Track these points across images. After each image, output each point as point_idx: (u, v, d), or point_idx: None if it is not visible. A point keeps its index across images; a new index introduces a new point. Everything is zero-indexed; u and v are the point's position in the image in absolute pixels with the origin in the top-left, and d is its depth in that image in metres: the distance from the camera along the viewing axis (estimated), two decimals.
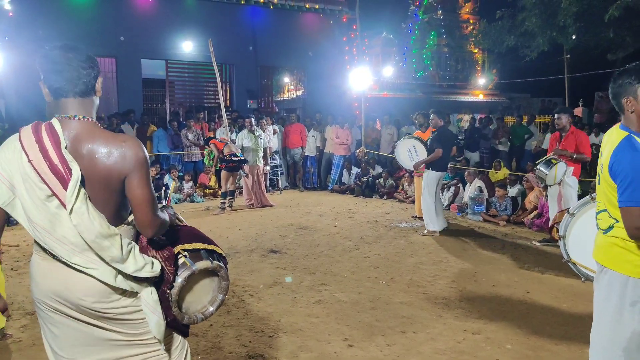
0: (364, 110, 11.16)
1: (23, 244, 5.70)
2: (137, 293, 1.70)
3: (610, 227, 2.06)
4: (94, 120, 1.68)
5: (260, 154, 8.66)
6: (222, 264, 1.85)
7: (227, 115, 9.07)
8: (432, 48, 21.08)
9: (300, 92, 15.55)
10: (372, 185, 10.03)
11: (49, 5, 10.68)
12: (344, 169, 10.69)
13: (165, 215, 1.74)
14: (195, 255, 1.82)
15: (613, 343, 2.04)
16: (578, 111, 12.94)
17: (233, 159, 7.95)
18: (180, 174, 9.49)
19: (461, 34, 21.33)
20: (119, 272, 1.65)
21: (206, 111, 12.63)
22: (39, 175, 1.56)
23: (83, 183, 1.58)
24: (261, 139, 8.71)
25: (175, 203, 9.12)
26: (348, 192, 10.26)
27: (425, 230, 6.57)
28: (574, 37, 9.82)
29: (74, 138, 1.61)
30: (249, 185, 8.69)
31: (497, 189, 7.71)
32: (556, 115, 5.68)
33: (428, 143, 6.83)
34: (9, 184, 1.61)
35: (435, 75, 20.78)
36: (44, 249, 1.63)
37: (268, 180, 10.29)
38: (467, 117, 14.17)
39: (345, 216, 7.84)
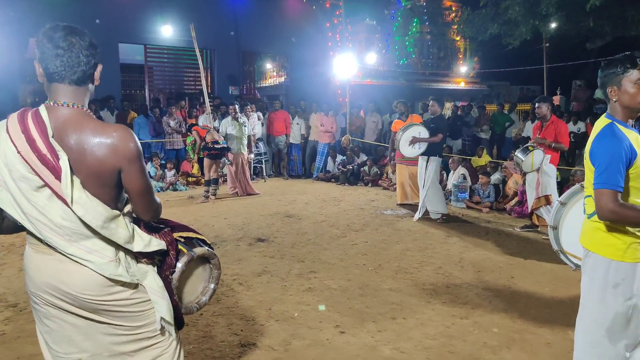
0: (348, 98, 11.15)
1: (2, 236, 5.58)
2: (136, 285, 1.68)
3: (594, 212, 2.13)
4: (85, 109, 1.62)
5: (245, 141, 8.61)
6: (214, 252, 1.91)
7: (209, 101, 8.96)
8: (414, 35, 21.10)
9: (283, 79, 15.42)
10: (357, 173, 10.09)
11: None
12: (329, 157, 10.72)
13: (159, 199, 1.76)
14: (189, 243, 1.86)
15: (597, 324, 2.13)
16: (556, 99, 13.19)
17: (215, 146, 7.90)
18: (163, 161, 9.38)
19: (444, 21, 21.39)
20: (120, 261, 1.63)
21: (187, 98, 12.45)
22: (29, 165, 1.52)
23: (76, 173, 1.56)
24: (245, 126, 8.65)
25: (158, 191, 9.03)
26: (333, 179, 10.30)
27: (439, 216, 6.63)
28: (553, 25, 9.97)
29: (61, 126, 1.55)
30: (233, 173, 8.64)
31: (480, 176, 7.85)
32: (536, 105, 5.79)
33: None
34: None
35: (418, 62, 20.84)
36: (39, 240, 1.60)
37: (252, 168, 10.25)
38: (449, 105, 14.30)
39: (331, 204, 7.89)
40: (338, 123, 11.07)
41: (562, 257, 2.87)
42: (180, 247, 1.84)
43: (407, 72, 19.92)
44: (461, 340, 3.22)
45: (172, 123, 9.89)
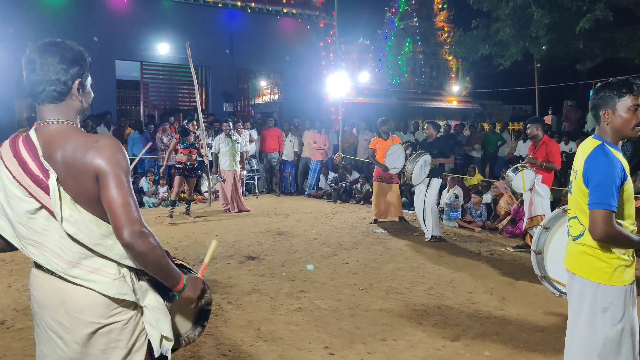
0: (341, 116, 11.20)
1: None
2: (135, 307, 1.62)
3: (581, 234, 2.13)
4: (73, 123, 1.57)
5: (237, 158, 8.59)
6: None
7: (203, 118, 8.95)
8: (407, 55, 21.37)
9: (276, 96, 15.51)
10: (349, 190, 10.07)
11: (21, 3, 10.33)
12: (321, 174, 10.70)
13: (146, 229, 1.51)
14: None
15: (588, 350, 2.09)
16: (548, 119, 13.33)
17: (187, 166, 7.58)
18: (156, 177, 9.31)
19: (436, 41, 21.70)
20: (124, 278, 1.57)
21: (181, 114, 12.45)
22: (25, 189, 1.51)
23: (66, 190, 1.51)
24: (238, 143, 8.64)
25: (150, 207, 8.94)
26: (325, 197, 10.27)
27: (430, 236, 6.60)
28: (544, 47, 10.14)
29: (49, 143, 1.52)
30: (225, 190, 8.59)
31: (472, 195, 7.85)
32: (528, 125, 5.83)
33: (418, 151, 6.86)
34: None
35: (411, 81, 21.07)
36: (42, 267, 1.57)
37: (244, 184, 10.20)
38: (441, 124, 14.41)
39: (323, 221, 7.84)
40: (331, 140, 11.09)
41: (545, 283, 2.83)
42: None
43: (399, 91, 20.12)
44: None
45: (165, 139, 9.87)
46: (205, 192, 9.59)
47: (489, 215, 7.71)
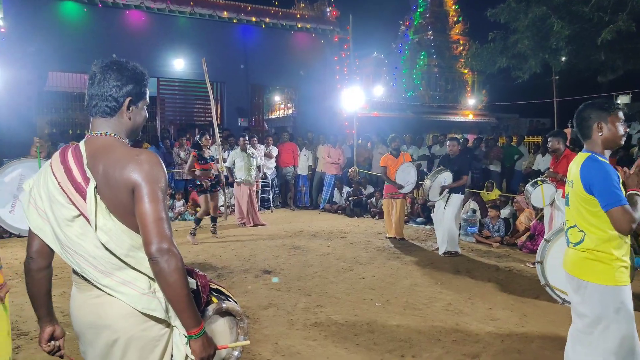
0: (355, 130, 11.26)
1: (15, 262, 5.59)
2: (168, 324, 1.63)
3: (580, 241, 2.27)
4: (120, 138, 1.63)
5: (253, 173, 8.68)
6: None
7: (218, 133, 9.10)
8: (422, 68, 21.44)
9: (291, 111, 15.67)
10: (364, 204, 10.08)
11: (41, 21, 10.68)
12: (336, 188, 10.74)
13: (180, 258, 1.52)
14: (220, 296, 1.83)
15: (605, 353, 2.12)
16: (567, 132, 13.21)
17: (204, 181, 7.36)
18: (173, 192, 9.46)
19: (451, 54, 21.76)
20: (155, 293, 1.59)
21: (197, 129, 12.65)
22: (67, 195, 1.57)
23: (103, 199, 1.57)
24: (254, 157, 8.75)
25: None
26: (339, 211, 10.30)
27: (444, 251, 6.59)
28: (564, 59, 10.09)
29: (94, 154, 1.59)
30: (240, 204, 8.68)
31: (490, 210, 7.80)
32: (549, 139, 5.81)
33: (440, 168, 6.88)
34: (41, 209, 1.61)
35: (425, 95, 21.09)
36: (79, 276, 1.62)
37: (259, 199, 10.28)
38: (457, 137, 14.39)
39: (338, 236, 7.86)
40: (345, 155, 11.15)
41: (549, 290, 2.92)
42: (212, 296, 1.81)
43: (414, 105, 20.15)
44: None
45: (182, 154, 10.02)
46: (222, 206, 9.67)
47: (507, 230, 7.65)
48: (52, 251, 1.64)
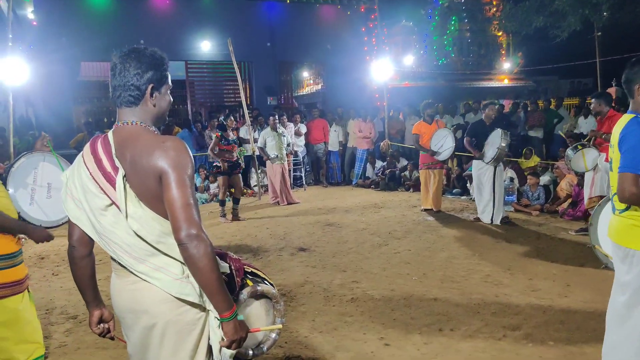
0: (386, 102, 11.05)
1: (62, 249, 5.87)
2: (204, 309, 1.66)
3: (627, 208, 2.19)
4: (146, 125, 1.65)
5: (284, 151, 8.69)
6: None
7: (248, 113, 9.14)
8: (453, 34, 20.66)
9: (319, 86, 15.52)
10: (398, 178, 9.97)
11: (70, 12, 10.92)
12: (368, 163, 10.65)
13: (209, 244, 1.52)
14: (255, 279, 1.84)
15: None
16: (611, 91, 12.52)
17: (229, 162, 7.34)
18: (207, 174, 9.61)
19: (484, 17, 20.82)
20: (188, 278, 1.61)
21: (227, 110, 12.75)
22: (99, 185, 1.61)
23: (132, 187, 1.59)
24: (284, 136, 8.75)
25: (203, 203, 9.25)
26: (372, 186, 10.24)
27: (500, 218, 6.51)
28: (606, 14, 9.45)
29: (122, 143, 1.62)
30: (273, 183, 8.73)
31: (528, 177, 7.56)
32: (592, 101, 5.56)
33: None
34: (77, 199, 1.66)
35: (458, 61, 20.38)
36: (117, 263, 1.66)
37: (292, 177, 10.32)
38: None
39: (372, 211, 7.82)
40: (376, 128, 10.99)
41: (596, 252, 2.84)
42: (247, 279, 1.82)
43: (446, 72, 19.53)
44: (514, 353, 3.08)
45: (214, 136, 10.11)
46: (255, 186, 9.81)
47: (547, 197, 7.39)
48: (92, 239, 1.69)
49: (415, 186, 9.42)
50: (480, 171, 6.60)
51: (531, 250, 5.34)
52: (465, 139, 6.78)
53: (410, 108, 11.42)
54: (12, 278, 2.59)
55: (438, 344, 3.24)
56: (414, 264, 4.97)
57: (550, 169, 8.04)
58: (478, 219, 6.68)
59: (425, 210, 7.55)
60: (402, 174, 9.99)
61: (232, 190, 7.82)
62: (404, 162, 10.37)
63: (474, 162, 6.72)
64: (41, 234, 2.59)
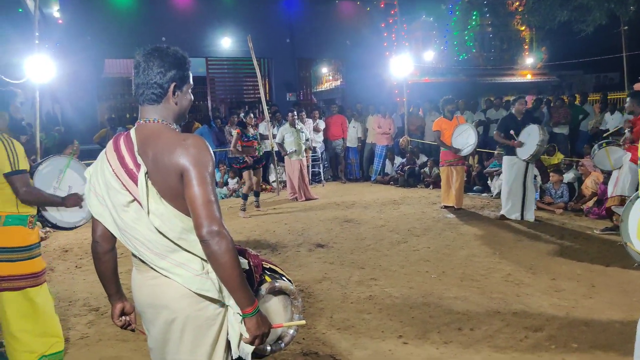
0: (406, 98, 10.93)
1: (85, 242, 5.98)
2: (222, 304, 1.66)
3: None
4: (168, 123, 1.66)
5: (303, 147, 8.68)
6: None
7: (267, 109, 9.14)
8: (474, 29, 20.31)
9: (338, 82, 15.45)
10: (417, 174, 9.86)
11: (95, 11, 11.09)
12: (387, 159, 10.56)
13: (230, 240, 1.53)
14: (273, 275, 1.84)
15: None
16: (638, 87, 12.14)
17: (252, 158, 7.48)
18: (227, 169, 9.67)
19: (506, 11, 20.40)
20: (208, 274, 1.62)
21: (246, 106, 12.79)
22: (121, 182, 1.62)
23: (154, 184, 1.60)
24: (303, 132, 8.74)
25: (222, 199, 9.31)
26: (391, 182, 10.16)
27: (533, 217, 6.42)
28: (632, 7, 9.15)
29: (144, 140, 1.63)
30: (292, 179, 8.73)
31: (551, 174, 7.38)
32: (627, 100, 5.44)
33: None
34: (100, 196, 1.68)
35: (479, 56, 20.03)
36: (138, 259, 1.68)
37: (310, 173, 10.30)
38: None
39: (391, 208, 7.75)
40: (396, 124, 10.88)
41: (628, 250, 2.69)
42: (265, 275, 1.83)
43: (467, 68, 19.22)
44: (536, 355, 3.00)
45: (233, 132, 10.14)
46: (273, 182, 9.82)
47: (571, 195, 7.21)
48: (114, 235, 1.71)
49: (435, 183, 9.31)
50: (511, 167, 6.43)
51: (554, 249, 5.21)
52: (495, 133, 6.63)
53: (430, 104, 11.25)
54: (30, 270, 2.65)
55: (457, 344, 3.18)
56: (433, 262, 4.90)
57: (575, 167, 7.83)
58: (504, 217, 6.54)
59: (445, 207, 7.45)
60: (422, 170, 9.88)
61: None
62: (423, 158, 10.26)
63: (505, 157, 6.53)
64: (73, 199, 2.77)
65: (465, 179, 8.80)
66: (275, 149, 8.74)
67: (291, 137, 8.56)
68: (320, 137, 10.58)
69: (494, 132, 6.66)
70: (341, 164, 11.09)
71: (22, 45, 7.59)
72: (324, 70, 17.09)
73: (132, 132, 1.68)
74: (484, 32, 20.31)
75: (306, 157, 8.98)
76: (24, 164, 2.61)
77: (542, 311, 3.63)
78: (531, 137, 6.17)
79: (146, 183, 1.58)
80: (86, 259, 5.36)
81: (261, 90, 8.91)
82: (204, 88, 13.94)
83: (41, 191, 2.71)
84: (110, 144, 1.70)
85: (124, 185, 1.61)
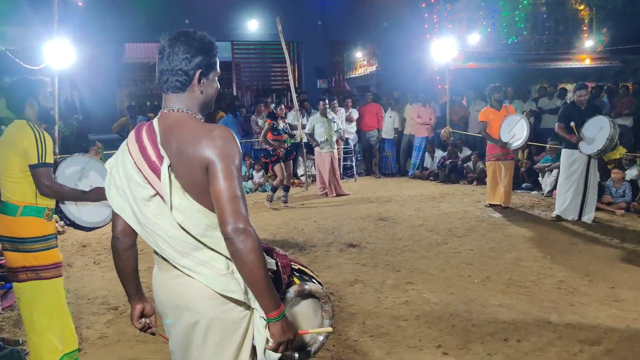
0: (448, 85, 10.76)
1: (103, 237, 6.18)
2: (248, 307, 1.68)
3: None
4: (193, 113, 1.68)
5: (334, 138, 8.69)
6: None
7: (296, 97, 9.19)
8: (526, 8, 19.74)
9: (374, 68, 15.33)
10: (460, 169, 9.72)
11: None
12: (427, 152, 10.45)
13: (257, 238, 1.55)
14: (302, 276, 1.86)
15: None
16: None
17: (282, 150, 7.68)
18: (252, 162, 9.77)
19: None
20: (233, 274, 1.63)
21: (274, 94, 12.86)
22: (143, 175, 1.65)
23: (177, 177, 1.62)
24: (334, 122, 8.73)
25: (247, 193, 9.44)
26: (431, 177, 10.07)
27: (592, 218, 6.30)
28: None
29: (167, 131, 1.65)
30: (322, 173, 8.75)
31: (613, 171, 7.14)
32: None
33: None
34: (120, 189, 1.71)
35: (531, 39, 19.47)
36: (160, 256, 1.70)
37: (342, 167, 10.30)
38: (571, 87, 13.21)
39: (430, 205, 7.69)
40: (436, 114, 10.75)
41: None
42: (294, 277, 1.85)
43: (517, 52, 18.73)
44: None
45: (260, 121, 10.24)
46: (302, 175, 9.87)
47: (634, 195, 6.95)
48: (135, 231, 1.74)
49: (479, 179, 9.16)
50: (571, 162, 6.26)
51: (614, 254, 5.05)
52: (557, 125, 6.44)
53: (475, 92, 11.06)
54: (53, 260, 2.77)
55: (503, 356, 3.13)
56: (477, 266, 4.84)
57: (638, 162, 7.55)
58: (559, 217, 6.38)
59: (491, 205, 7.34)
60: (465, 165, 9.73)
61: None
62: (467, 151, 10.10)
63: (564, 151, 6.35)
64: (97, 192, 2.86)
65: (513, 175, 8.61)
66: (305, 140, 8.78)
67: (322, 127, 8.57)
68: (353, 127, 10.55)
69: (556, 124, 6.44)
70: (375, 157, 11.04)
71: (41, 28, 7.86)
72: (358, 54, 16.97)
73: (155, 121, 1.70)
74: (537, 12, 19.71)
75: (338, 149, 8.97)
76: (50, 158, 2.72)
77: (600, 323, 3.53)
78: (602, 131, 5.93)
79: (169, 176, 1.60)
80: (105, 254, 5.54)
81: (290, 77, 8.95)
82: (229, 74, 14.11)
83: (63, 186, 2.81)
84: (132, 134, 1.73)
85: (146, 179, 1.64)
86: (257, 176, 9.73)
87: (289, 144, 7.88)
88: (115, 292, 4.36)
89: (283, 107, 8.00)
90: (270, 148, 7.73)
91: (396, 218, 6.91)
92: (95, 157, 3.42)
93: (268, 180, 9.88)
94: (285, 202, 8.05)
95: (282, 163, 7.76)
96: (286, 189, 8.05)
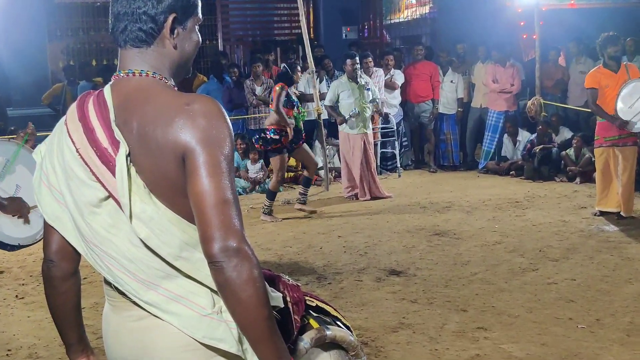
0: (538, 34, 10.71)
1: (29, 259, 6.28)
2: (239, 358, 1.67)
3: None
4: (162, 77, 1.67)
5: (368, 113, 8.70)
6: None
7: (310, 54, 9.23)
8: None
9: (426, 9, 15.32)
10: (555, 160, 9.71)
11: None
12: (506, 135, 10.45)
13: (255, 262, 1.51)
14: (321, 317, 1.91)
15: None
16: None
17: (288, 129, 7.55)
18: (246, 147, 9.79)
19: None
20: (221, 315, 1.63)
21: (279, 49, 12.89)
22: (89, 168, 1.63)
23: (140, 172, 1.60)
24: (368, 89, 8.73)
25: (240, 194, 9.51)
26: (513, 172, 10.13)
27: None
28: None
29: (125, 104, 1.63)
30: (351, 165, 8.76)
31: None
32: None
33: None
34: (56, 190, 1.71)
35: None
36: (114, 289, 1.71)
37: (379, 156, 10.32)
38: None
39: (511, 213, 7.74)
40: (521, 78, 10.74)
41: None
42: (309, 318, 1.89)
43: None
44: None
45: (258, 89, 10.30)
46: (320, 169, 9.86)
47: None
48: (78, 250, 1.75)
49: (585, 174, 9.17)
50: None
51: None
52: None
53: (579, 45, 11.00)
54: None
55: None
56: (581, 304, 4.87)
57: None
58: None
59: (602, 213, 7.35)
60: (563, 153, 9.70)
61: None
62: (566, 133, 10.09)
63: None
64: (17, 206, 2.94)
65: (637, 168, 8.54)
66: (325, 116, 8.80)
67: (350, 97, 8.61)
68: (396, 98, 10.58)
69: None
70: (430, 142, 11.08)
71: None
72: None
73: (107, 90, 1.69)
74: None
75: (374, 129, 8.99)
76: None
77: None
78: None
79: (128, 171, 1.58)
80: (31, 284, 5.66)
81: (302, 23, 8.99)
82: (212, 20, 14.17)
83: None
84: (72, 109, 1.72)
85: (94, 174, 1.62)
86: (253, 169, 9.77)
87: (299, 121, 7.84)
88: (47, 340, 4.42)
89: (300, 68, 7.86)
90: (276, 127, 7.54)
91: (460, 233, 6.96)
92: (25, 145, 3.48)
93: (269, 175, 9.93)
94: (304, 202, 8.07)
95: (284, 155, 7.67)
96: (307, 184, 8.03)
